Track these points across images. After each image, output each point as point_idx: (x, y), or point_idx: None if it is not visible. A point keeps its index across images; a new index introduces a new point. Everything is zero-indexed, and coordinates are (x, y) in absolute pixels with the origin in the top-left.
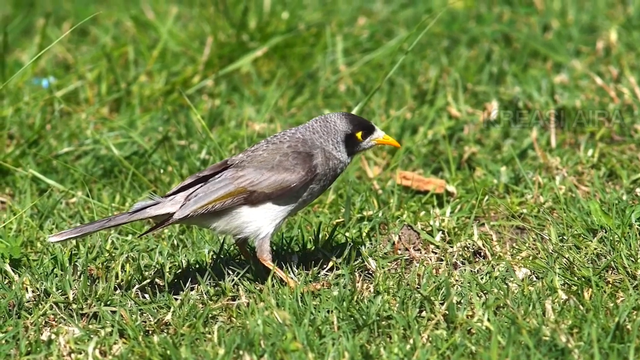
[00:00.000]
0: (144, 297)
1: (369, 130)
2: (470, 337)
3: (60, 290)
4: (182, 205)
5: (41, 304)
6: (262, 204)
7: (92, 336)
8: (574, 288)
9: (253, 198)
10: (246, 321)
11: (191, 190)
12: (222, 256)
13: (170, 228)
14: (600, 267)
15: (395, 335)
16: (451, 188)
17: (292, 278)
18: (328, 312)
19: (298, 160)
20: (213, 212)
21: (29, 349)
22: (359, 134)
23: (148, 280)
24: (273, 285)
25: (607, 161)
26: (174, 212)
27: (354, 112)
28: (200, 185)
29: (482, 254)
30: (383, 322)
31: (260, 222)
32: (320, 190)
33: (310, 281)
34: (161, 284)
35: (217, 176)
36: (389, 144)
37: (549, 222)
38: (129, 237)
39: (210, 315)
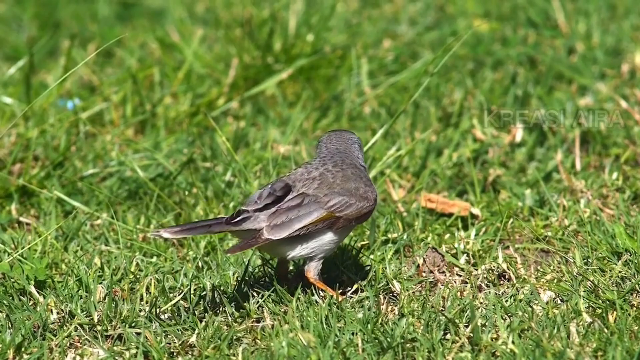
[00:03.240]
0: (168, 319)
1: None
2: None
3: (85, 312)
4: (271, 226)
5: (66, 326)
6: (340, 228)
7: (116, 358)
8: (599, 311)
9: (339, 223)
10: (271, 343)
11: (273, 209)
12: (246, 278)
13: (195, 250)
14: (625, 290)
15: (419, 358)
16: (476, 211)
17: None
18: (353, 334)
19: (368, 187)
20: (297, 236)
21: None
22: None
23: (173, 302)
24: (298, 307)
25: (631, 184)
26: (263, 231)
27: (378, 135)
28: (278, 206)
29: (506, 276)
30: (407, 345)
31: (334, 245)
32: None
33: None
34: (186, 305)
35: (300, 200)
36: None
37: (573, 245)
38: (154, 259)
39: (234, 337)
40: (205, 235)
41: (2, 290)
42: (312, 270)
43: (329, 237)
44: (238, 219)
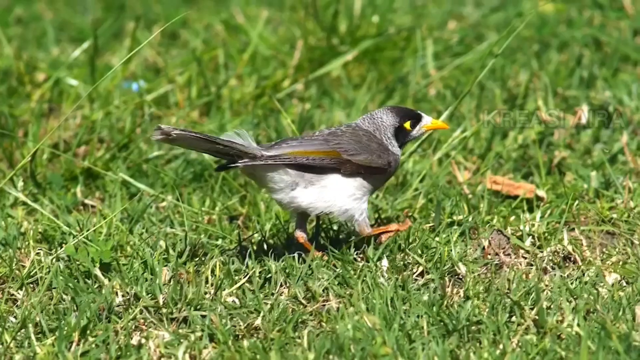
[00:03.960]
0: (234, 302)
1: (416, 118)
2: (560, 343)
3: (150, 295)
4: (272, 146)
5: (131, 308)
6: (353, 177)
7: (182, 340)
8: None
9: (346, 167)
10: (336, 326)
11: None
12: (311, 261)
13: (259, 232)
14: None
15: (485, 340)
16: (541, 193)
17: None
18: (418, 316)
19: (381, 148)
20: (303, 169)
21: (119, 353)
22: (407, 124)
23: (238, 285)
24: (363, 290)
25: None
26: (263, 152)
27: (443, 117)
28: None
29: (572, 259)
30: (473, 327)
31: (353, 202)
32: (381, 184)
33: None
34: (251, 288)
35: (303, 136)
36: (438, 128)
37: (639, 227)
38: (219, 241)
39: (300, 320)
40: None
41: (68, 273)
42: (360, 226)
43: (340, 184)
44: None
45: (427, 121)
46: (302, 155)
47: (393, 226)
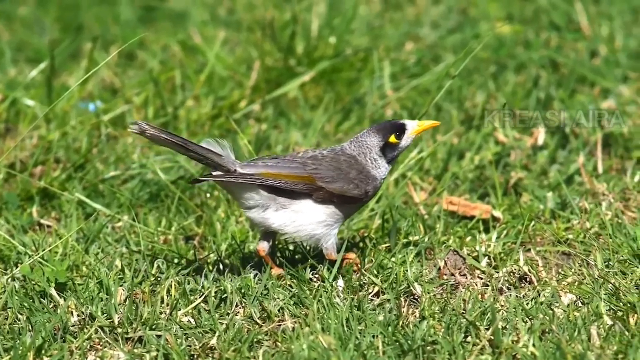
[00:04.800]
0: (189, 322)
1: (400, 129)
2: None
3: (105, 314)
4: (246, 164)
5: (86, 328)
6: (326, 204)
7: None
8: (620, 314)
9: (319, 193)
10: (291, 346)
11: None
12: (267, 280)
13: (215, 252)
14: None
15: None
16: (497, 213)
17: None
18: (373, 336)
19: (361, 177)
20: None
21: None
22: (392, 139)
23: (193, 305)
24: (318, 310)
25: None
26: (237, 167)
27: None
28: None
29: (528, 279)
30: (428, 347)
31: (323, 228)
32: (355, 211)
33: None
34: (206, 308)
35: (285, 156)
36: (428, 128)
37: (594, 247)
38: (175, 261)
39: (255, 340)
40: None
41: (23, 293)
42: (327, 250)
43: (312, 210)
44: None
45: (413, 127)
46: (275, 177)
47: (351, 255)
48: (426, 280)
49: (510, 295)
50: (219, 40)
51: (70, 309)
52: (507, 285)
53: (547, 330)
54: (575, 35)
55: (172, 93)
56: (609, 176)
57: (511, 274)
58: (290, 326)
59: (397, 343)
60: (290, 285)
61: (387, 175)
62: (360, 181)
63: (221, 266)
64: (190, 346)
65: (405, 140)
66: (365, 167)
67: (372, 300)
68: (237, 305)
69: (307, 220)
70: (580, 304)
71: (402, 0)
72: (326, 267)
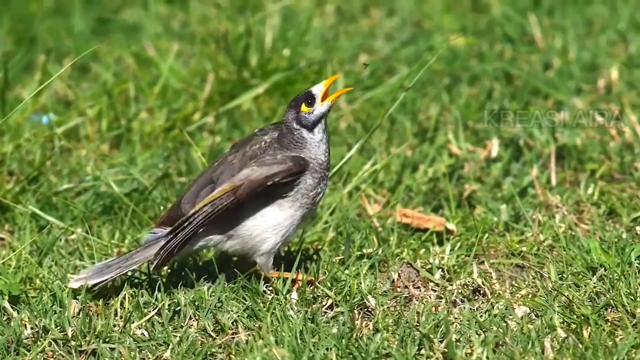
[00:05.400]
0: (143, 334)
1: (309, 97)
2: None
3: (59, 327)
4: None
5: (40, 341)
6: (269, 203)
7: None
8: (573, 326)
9: (242, 193)
10: (245, 358)
11: None
12: (221, 293)
13: (169, 265)
14: (600, 305)
15: None
16: (451, 226)
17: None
18: (327, 349)
19: (280, 156)
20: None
21: None
22: (303, 108)
23: (147, 318)
24: (272, 322)
25: (607, 199)
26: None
27: (354, 149)
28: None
29: (481, 291)
30: None
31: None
32: (323, 183)
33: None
34: (160, 320)
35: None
36: (339, 94)
37: (548, 260)
38: (128, 274)
39: (209, 353)
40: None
41: None
42: (263, 266)
43: (263, 214)
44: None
45: (320, 90)
46: (200, 213)
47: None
48: (380, 293)
49: (464, 307)
50: (173, 52)
51: (23, 321)
52: (460, 297)
53: (500, 342)
54: (528, 48)
55: (125, 105)
56: (563, 188)
57: (465, 286)
58: (244, 339)
59: (351, 356)
60: (244, 298)
61: (322, 142)
62: (277, 161)
63: (175, 279)
64: (143, 359)
65: (318, 107)
66: (289, 144)
67: (325, 312)
68: (190, 318)
69: (248, 234)
70: (533, 317)
71: (356, 13)
72: (280, 280)
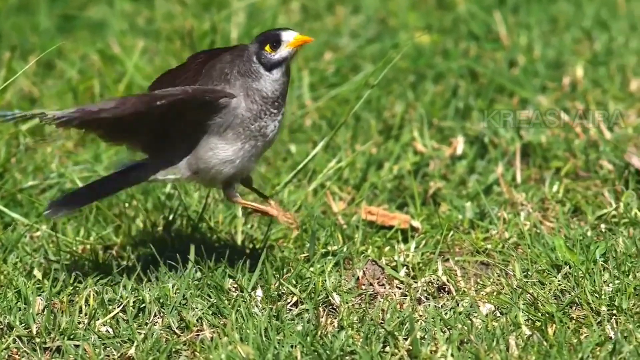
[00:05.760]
0: (107, 331)
1: (276, 40)
2: None
3: (23, 324)
4: None
5: (4, 338)
6: (213, 142)
7: None
8: (538, 324)
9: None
10: (210, 356)
11: None
12: (186, 290)
13: (134, 262)
14: (564, 303)
15: None
16: (416, 223)
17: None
18: (292, 347)
19: (226, 79)
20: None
21: None
22: (267, 48)
23: (112, 315)
24: (237, 320)
25: (572, 197)
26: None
27: (319, 147)
28: None
29: (446, 289)
30: (347, 357)
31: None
32: (269, 117)
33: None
34: (125, 317)
35: None
36: (301, 43)
37: (513, 257)
38: (94, 271)
39: (173, 350)
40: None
41: None
42: (226, 196)
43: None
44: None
45: (288, 40)
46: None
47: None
48: (345, 290)
49: (429, 305)
50: (138, 49)
51: None
52: (425, 295)
53: (465, 340)
54: (494, 45)
55: (91, 102)
56: (528, 186)
57: (430, 283)
58: (209, 336)
59: (316, 353)
60: (208, 295)
61: (276, 82)
62: (224, 81)
63: (140, 276)
64: (108, 356)
65: (281, 53)
66: (245, 72)
67: (290, 310)
68: (155, 315)
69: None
70: (498, 314)
71: (321, 10)
72: (245, 277)
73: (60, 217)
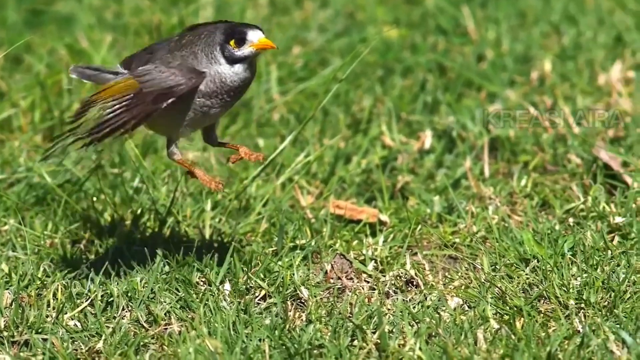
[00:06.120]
0: (75, 325)
1: (240, 36)
2: None
3: None
4: None
5: None
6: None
7: None
8: (506, 317)
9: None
10: (178, 349)
11: None
12: (154, 284)
13: (102, 256)
14: (533, 296)
15: None
16: (384, 217)
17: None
18: (260, 340)
19: (183, 68)
20: None
21: None
22: (231, 43)
23: (80, 309)
24: (205, 314)
25: (540, 191)
26: None
27: (287, 141)
28: None
29: (414, 283)
30: (315, 351)
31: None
32: (219, 108)
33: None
34: (93, 311)
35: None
36: (264, 47)
37: (481, 251)
38: (62, 265)
39: (141, 344)
40: None
41: None
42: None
43: None
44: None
45: (253, 40)
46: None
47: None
48: (313, 284)
49: (397, 299)
50: (106, 44)
51: None
52: (393, 289)
53: (433, 334)
54: (462, 40)
55: (58, 97)
56: (496, 180)
57: (398, 277)
58: (177, 330)
59: (284, 347)
60: (176, 289)
61: (236, 74)
62: (179, 72)
63: (107, 270)
64: (76, 350)
65: (244, 51)
66: (207, 54)
67: (258, 304)
68: (123, 309)
69: None
70: (466, 308)
71: (289, 4)
72: (214, 270)
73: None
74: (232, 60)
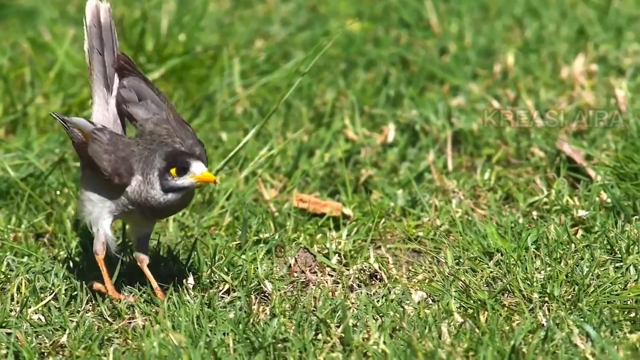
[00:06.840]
0: (39, 319)
1: (183, 168)
2: None
3: None
4: None
5: None
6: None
7: None
8: (470, 311)
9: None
10: (142, 343)
11: None
12: (118, 277)
13: (66, 250)
14: (496, 290)
15: (291, 358)
16: (348, 211)
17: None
18: (224, 334)
19: (125, 165)
20: None
21: None
22: (172, 171)
23: (44, 302)
24: (169, 308)
25: (503, 184)
26: None
27: (250, 134)
28: None
29: (378, 276)
30: (279, 345)
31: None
32: (141, 217)
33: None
34: (57, 305)
35: None
36: (206, 181)
37: (445, 245)
38: (25, 259)
39: (105, 338)
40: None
41: None
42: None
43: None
44: None
45: (195, 172)
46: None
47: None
48: (277, 278)
49: (361, 292)
50: (69, 38)
51: None
52: (357, 282)
53: (397, 327)
54: (425, 33)
55: (21, 90)
56: (459, 173)
57: (361, 271)
58: (141, 324)
59: (248, 341)
60: (140, 283)
61: (164, 199)
62: (119, 162)
63: (71, 264)
64: (40, 344)
65: (184, 181)
66: (143, 167)
67: (222, 297)
68: (87, 303)
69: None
70: (430, 302)
71: None
72: (177, 265)
73: None
74: (167, 189)
